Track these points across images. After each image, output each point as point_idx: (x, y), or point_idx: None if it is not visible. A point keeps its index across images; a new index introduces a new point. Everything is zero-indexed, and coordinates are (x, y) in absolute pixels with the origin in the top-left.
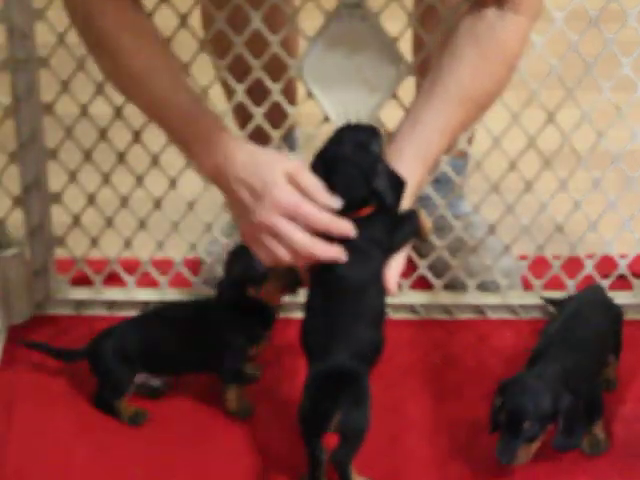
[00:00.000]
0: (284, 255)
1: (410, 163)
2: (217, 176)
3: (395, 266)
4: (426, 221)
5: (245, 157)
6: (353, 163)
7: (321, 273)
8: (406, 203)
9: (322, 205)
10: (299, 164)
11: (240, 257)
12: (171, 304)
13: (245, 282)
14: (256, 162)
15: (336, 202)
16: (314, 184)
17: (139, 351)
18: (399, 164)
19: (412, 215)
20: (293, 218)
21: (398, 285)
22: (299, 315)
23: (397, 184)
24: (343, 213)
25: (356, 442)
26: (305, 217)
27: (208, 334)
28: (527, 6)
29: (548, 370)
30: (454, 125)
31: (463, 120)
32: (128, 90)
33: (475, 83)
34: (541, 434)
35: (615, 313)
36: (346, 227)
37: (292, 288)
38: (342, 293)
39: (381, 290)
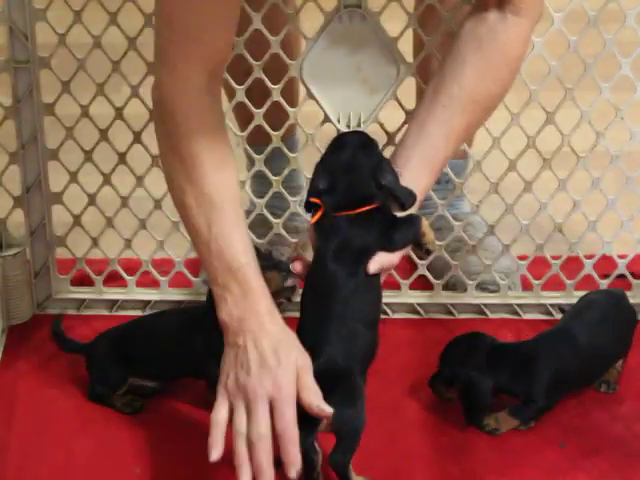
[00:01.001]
0: (240, 433)
1: (417, 170)
2: (237, 331)
3: (382, 255)
4: (428, 230)
5: (273, 337)
6: (359, 161)
7: (314, 273)
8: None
9: (313, 406)
10: (309, 363)
11: None
12: (163, 311)
13: None
14: (279, 343)
15: (328, 410)
16: (315, 388)
17: (131, 355)
18: (406, 171)
19: (414, 219)
20: (274, 407)
21: (379, 272)
22: (296, 314)
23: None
24: (345, 209)
25: (352, 442)
26: (282, 416)
27: (196, 340)
28: (528, 8)
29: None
30: (459, 130)
31: (468, 124)
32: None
33: (478, 87)
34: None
35: (630, 318)
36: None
37: (284, 295)
38: (335, 293)
39: (376, 290)
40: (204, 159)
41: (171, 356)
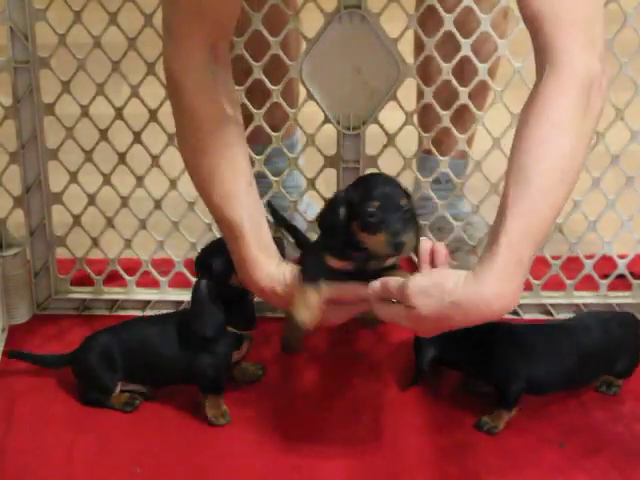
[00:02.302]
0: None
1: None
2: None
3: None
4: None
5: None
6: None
7: None
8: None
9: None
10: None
11: (214, 251)
12: (152, 317)
13: (229, 271)
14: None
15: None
16: None
17: (121, 361)
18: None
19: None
20: None
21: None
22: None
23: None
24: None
25: None
26: None
27: (182, 346)
28: (566, 56)
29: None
30: (512, 203)
31: (523, 194)
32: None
33: (519, 151)
34: None
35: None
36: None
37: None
38: None
39: None
40: (205, 135)
41: (158, 363)
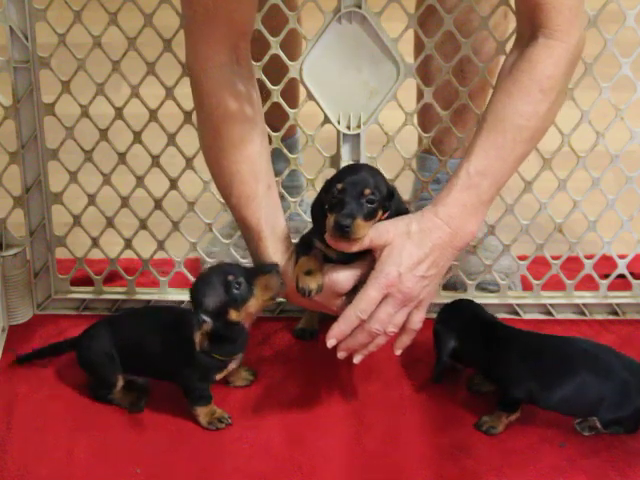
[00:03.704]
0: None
1: (444, 190)
2: None
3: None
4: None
5: None
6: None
7: None
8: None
9: None
10: None
11: (205, 284)
12: (149, 308)
13: (227, 306)
14: None
15: None
16: None
17: (117, 352)
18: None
19: None
20: None
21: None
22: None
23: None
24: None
25: None
26: None
27: (181, 350)
28: (560, 33)
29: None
30: (483, 146)
31: (495, 141)
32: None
33: (502, 103)
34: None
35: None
36: None
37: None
38: None
39: None
40: (224, 135)
41: (153, 356)
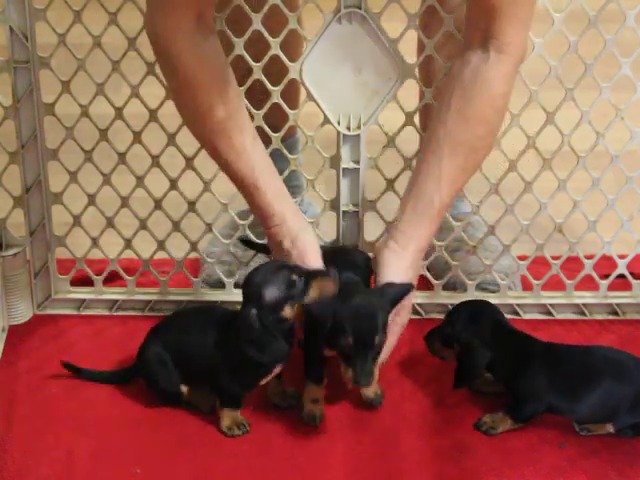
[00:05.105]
0: None
1: (412, 220)
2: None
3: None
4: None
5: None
6: None
7: None
8: (417, 260)
9: None
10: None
11: (266, 277)
12: (190, 310)
13: (285, 302)
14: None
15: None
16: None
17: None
18: (401, 224)
19: None
20: None
21: None
22: None
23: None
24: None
25: None
26: None
27: (226, 351)
28: (511, 45)
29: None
30: (449, 173)
31: (458, 166)
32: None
33: (462, 129)
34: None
35: None
36: None
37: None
38: None
39: None
40: (204, 95)
41: (200, 361)
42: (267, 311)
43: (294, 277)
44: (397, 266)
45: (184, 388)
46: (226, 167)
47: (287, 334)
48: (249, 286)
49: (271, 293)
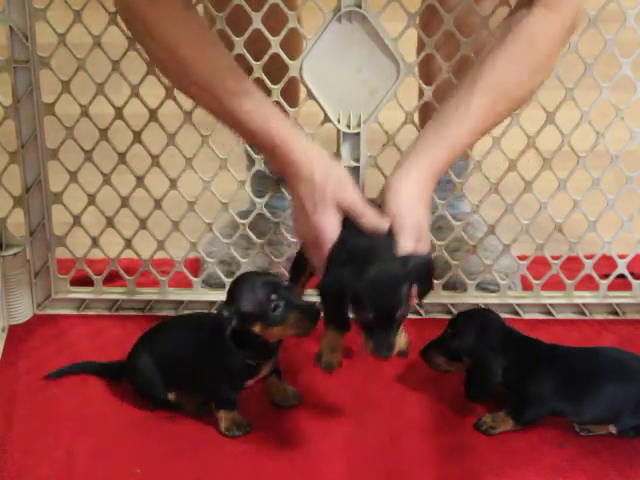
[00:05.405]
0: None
1: (429, 142)
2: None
3: None
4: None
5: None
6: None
7: None
8: (429, 184)
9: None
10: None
11: (250, 287)
12: (178, 318)
13: (257, 319)
14: (314, 189)
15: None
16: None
17: (159, 369)
18: (419, 139)
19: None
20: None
21: None
22: None
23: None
24: None
25: None
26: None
27: (212, 353)
28: (559, 4)
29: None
30: (477, 111)
31: (488, 107)
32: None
33: (496, 70)
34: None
35: None
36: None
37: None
38: None
39: None
40: (192, 56)
41: (187, 366)
42: (238, 319)
43: (274, 298)
44: (407, 192)
45: (171, 396)
46: (228, 116)
47: (259, 347)
48: (231, 289)
49: (246, 306)
